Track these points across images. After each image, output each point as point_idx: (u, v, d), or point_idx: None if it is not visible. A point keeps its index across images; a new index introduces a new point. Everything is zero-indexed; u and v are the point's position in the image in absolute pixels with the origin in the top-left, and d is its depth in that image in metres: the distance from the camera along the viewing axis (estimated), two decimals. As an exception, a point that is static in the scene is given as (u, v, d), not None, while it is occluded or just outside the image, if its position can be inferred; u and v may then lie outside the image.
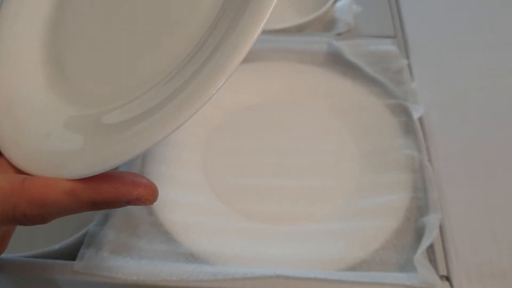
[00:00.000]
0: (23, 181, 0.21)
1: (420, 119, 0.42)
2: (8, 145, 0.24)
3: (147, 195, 0.22)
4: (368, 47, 0.48)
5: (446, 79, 0.46)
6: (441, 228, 0.35)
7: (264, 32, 0.52)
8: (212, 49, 0.22)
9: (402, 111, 0.43)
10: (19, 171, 0.23)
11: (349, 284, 0.32)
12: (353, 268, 0.34)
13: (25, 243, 0.41)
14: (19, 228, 0.26)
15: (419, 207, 0.37)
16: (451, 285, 0.32)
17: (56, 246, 0.34)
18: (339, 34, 0.50)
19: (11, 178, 0.22)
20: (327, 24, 0.53)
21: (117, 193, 0.22)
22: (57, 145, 0.24)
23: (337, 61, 0.48)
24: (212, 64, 0.21)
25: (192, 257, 0.35)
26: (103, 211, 0.35)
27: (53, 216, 0.22)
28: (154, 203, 0.35)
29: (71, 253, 0.34)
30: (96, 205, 0.22)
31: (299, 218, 0.38)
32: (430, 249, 0.34)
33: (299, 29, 0.51)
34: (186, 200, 0.38)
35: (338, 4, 0.53)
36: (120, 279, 0.32)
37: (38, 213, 0.21)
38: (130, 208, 0.36)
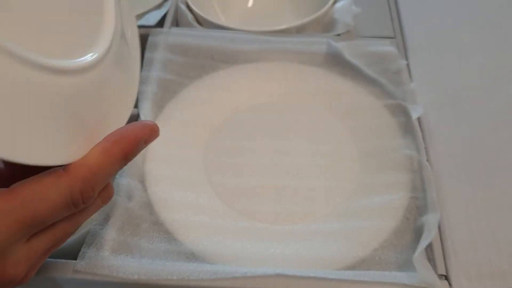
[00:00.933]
0: (64, 169, 0.24)
1: (419, 119, 0.42)
2: None
3: (156, 129, 0.28)
4: (367, 48, 0.48)
5: (445, 79, 0.46)
6: (440, 228, 0.35)
7: (264, 32, 0.52)
8: None
9: (401, 111, 0.44)
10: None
11: (348, 283, 0.32)
12: (352, 267, 0.34)
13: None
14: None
15: (418, 206, 0.37)
16: (450, 284, 0.32)
17: (57, 246, 0.34)
18: (338, 35, 0.51)
19: (50, 171, 0.24)
20: (326, 25, 0.53)
21: (138, 137, 0.26)
22: None
23: (336, 62, 0.48)
24: None
25: (192, 256, 0.35)
26: (104, 211, 0.36)
27: (99, 186, 0.25)
28: (155, 203, 0.36)
29: (72, 252, 0.34)
30: (126, 157, 0.26)
31: (299, 218, 0.39)
32: (429, 248, 0.34)
33: (299, 30, 0.51)
34: (187, 199, 0.39)
35: (338, 5, 0.53)
36: (121, 278, 0.32)
37: (91, 186, 0.24)
38: (131, 207, 0.36)
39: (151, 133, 0.27)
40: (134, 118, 0.42)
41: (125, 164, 0.26)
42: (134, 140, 0.26)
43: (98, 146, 0.25)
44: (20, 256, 0.23)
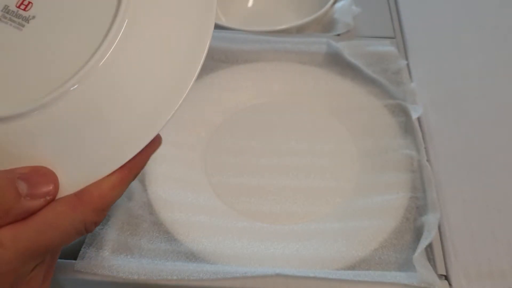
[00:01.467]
0: (78, 196, 0.23)
1: (419, 119, 0.42)
2: None
3: (160, 140, 0.27)
4: (367, 48, 0.48)
5: (445, 79, 0.46)
6: (440, 228, 0.35)
7: (264, 32, 0.52)
8: None
9: (401, 111, 0.44)
10: None
11: (348, 283, 0.32)
12: (352, 267, 0.34)
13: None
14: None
15: (418, 206, 0.37)
16: (450, 284, 0.32)
17: (57, 246, 0.34)
18: (338, 35, 0.51)
19: (64, 200, 0.23)
20: (326, 25, 0.53)
21: (148, 156, 0.26)
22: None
23: (336, 62, 0.48)
24: None
25: (192, 256, 0.35)
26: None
27: (109, 208, 0.25)
28: (155, 203, 0.36)
29: (72, 252, 0.34)
30: (135, 177, 0.25)
31: (299, 217, 0.39)
32: (429, 248, 0.34)
33: (299, 30, 0.51)
34: (187, 199, 0.39)
35: (338, 5, 0.53)
36: (121, 278, 0.32)
37: (104, 214, 0.24)
38: (131, 207, 0.36)
39: (158, 146, 0.27)
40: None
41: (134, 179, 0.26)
42: (145, 160, 0.26)
43: (117, 174, 0.24)
44: (36, 274, 0.24)
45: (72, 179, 0.24)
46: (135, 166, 0.25)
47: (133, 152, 0.24)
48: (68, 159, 0.24)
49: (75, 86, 0.23)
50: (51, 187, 0.23)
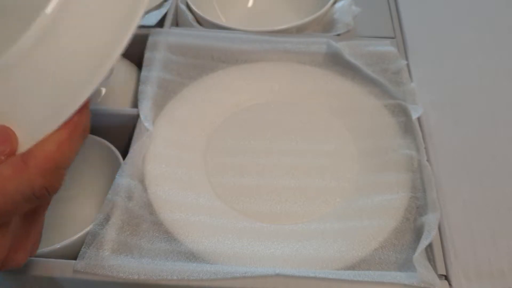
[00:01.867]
0: (23, 159, 0.22)
1: (419, 119, 0.42)
2: None
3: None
4: (367, 48, 0.48)
5: (445, 79, 0.46)
6: (440, 228, 0.35)
7: (264, 32, 0.52)
8: None
9: (401, 111, 0.44)
10: None
11: (348, 283, 0.32)
12: (352, 267, 0.34)
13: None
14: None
15: (418, 206, 0.37)
16: (450, 284, 0.32)
17: (58, 246, 0.34)
18: (338, 35, 0.51)
19: (9, 163, 0.22)
20: (326, 24, 0.53)
21: (88, 110, 0.24)
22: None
23: (336, 62, 0.48)
24: None
25: (192, 256, 0.35)
26: (104, 211, 0.36)
27: (66, 169, 0.23)
28: (155, 203, 0.35)
29: (72, 253, 0.34)
30: (85, 131, 0.24)
31: (299, 217, 0.39)
32: (429, 248, 0.34)
33: (299, 30, 0.51)
34: (187, 199, 0.39)
35: (338, 5, 0.53)
36: (121, 278, 0.32)
37: (55, 178, 0.23)
38: (131, 207, 0.36)
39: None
40: (134, 118, 0.42)
41: (86, 136, 0.24)
42: (88, 115, 0.24)
43: (61, 131, 0.23)
44: None
45: (25, 138, 0.23)
46: (80, 122, 0.23)
47: (74, 107, 0.23)
48: (21, 117, 0.23)
49: (26, 43, 0.23)
50: (7, 146, 0.22)
